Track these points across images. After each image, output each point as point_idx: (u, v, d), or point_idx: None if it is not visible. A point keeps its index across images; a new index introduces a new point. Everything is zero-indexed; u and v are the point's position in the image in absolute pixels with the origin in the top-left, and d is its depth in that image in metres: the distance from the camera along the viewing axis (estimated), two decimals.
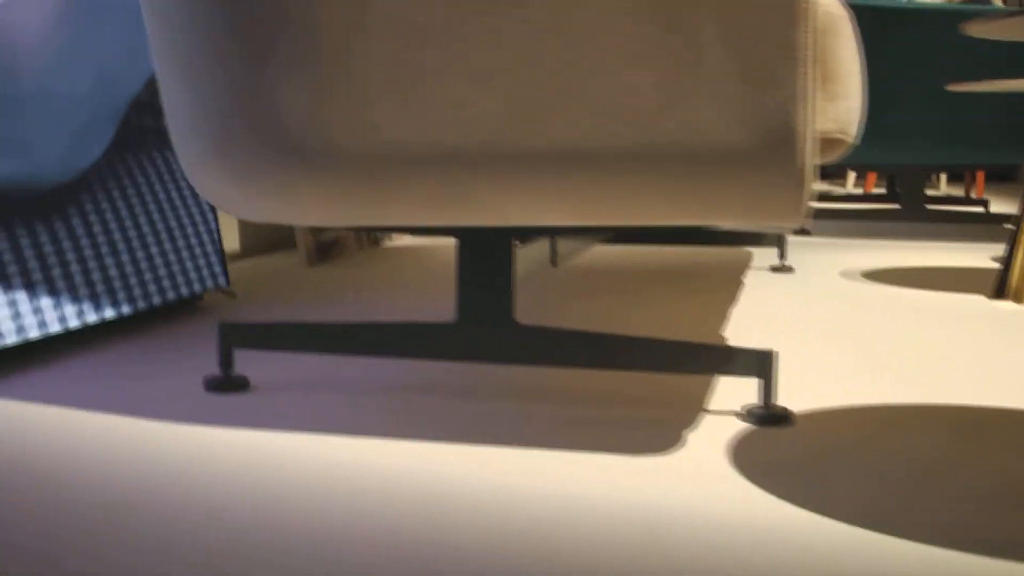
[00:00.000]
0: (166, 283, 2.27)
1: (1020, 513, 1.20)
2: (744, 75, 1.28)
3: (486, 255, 1.69)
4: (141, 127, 2.31)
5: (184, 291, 2.32)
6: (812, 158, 1.31)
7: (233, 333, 1.76)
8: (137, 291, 2.17)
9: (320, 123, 1.35)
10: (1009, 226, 4.59)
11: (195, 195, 2.44)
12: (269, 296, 2.74)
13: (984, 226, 5.09)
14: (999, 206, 6.39)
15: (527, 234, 1.71)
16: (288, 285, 2.96)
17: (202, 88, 1.42)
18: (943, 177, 8.10)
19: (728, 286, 3.00)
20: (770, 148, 1.30)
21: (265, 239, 3.74)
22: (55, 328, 1.95)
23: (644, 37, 1.29)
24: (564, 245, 3.44)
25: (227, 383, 1.75)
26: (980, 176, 6.73)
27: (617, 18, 1.29)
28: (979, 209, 5.57)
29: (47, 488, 1.26)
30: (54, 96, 2.04)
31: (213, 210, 2.47)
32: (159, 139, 2.37)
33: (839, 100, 1.37)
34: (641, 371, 1.67)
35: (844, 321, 2.48)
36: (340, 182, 1.39)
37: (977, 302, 2.82)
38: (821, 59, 1.36)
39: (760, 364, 1.61)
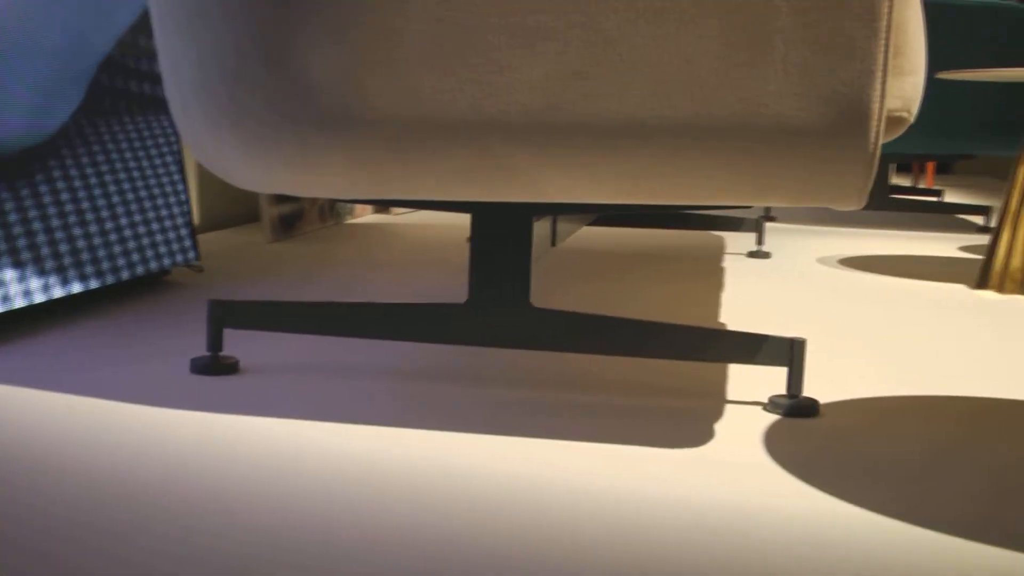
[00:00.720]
0: (135, 256, 2.13)
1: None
2: (817, 45, 1.18)
3: (504, 233, 1.58)
4: (112, 89, 2.16)
5: (153, 265, 2.18)
6: (880, 139, 1.22)
7: (224, 311, 1.62)
8: (106, 264, 2.03)
9: (355, 87, 1.23)
10: (980, 220, 4.61)
11: (167, 164, 2.29)
12: (237, 272, 2.60)
13: (943, 216, 5.10)
14: (950, 196, 6.44)
15: (548, 212, 1.60)
16: (255, 261, 2.82)
17: (218, 43, 1.28)
18: (891, 167, 8.12)
19: (712, 270, 2.94)
20: (841, 127, 1.20)
21: (224, 212, 3.59)
22: (19, 302, 1.80)
23: (708, 3, 1.19)
24: (561, 226, 3.34)
25: (216, 365, 1.62)
26: (930, 167, 6.74)
27: None
28: (934, 199, 5.57)
29: (28, 474, 1.13)
30: (16, 53, 1.89)
31: (183, 180, 2.33)
32: (131, 102, 2.22)
33: (906, 75, 1.28)
34: (666, 358, 1.57)
35: (834, 310, 2.43)
36: (371, 151, 1.27)
37: (960, 291, 2.79)
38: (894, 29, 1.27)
39: (790, 352, 1.53)
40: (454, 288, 2.47)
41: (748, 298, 2.51)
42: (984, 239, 4.17)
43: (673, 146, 1.24)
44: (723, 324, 2.16)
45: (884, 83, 1.19)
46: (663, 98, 1.21)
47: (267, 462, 1.23)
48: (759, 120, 1.21)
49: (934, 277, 3.05)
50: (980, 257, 3.60)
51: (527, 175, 1.29)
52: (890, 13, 1.17)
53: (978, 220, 4.97)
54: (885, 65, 1.18)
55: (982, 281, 2.86)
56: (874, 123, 1.20)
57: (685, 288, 2.60)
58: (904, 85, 1.28)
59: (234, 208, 3.68)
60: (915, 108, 1.32)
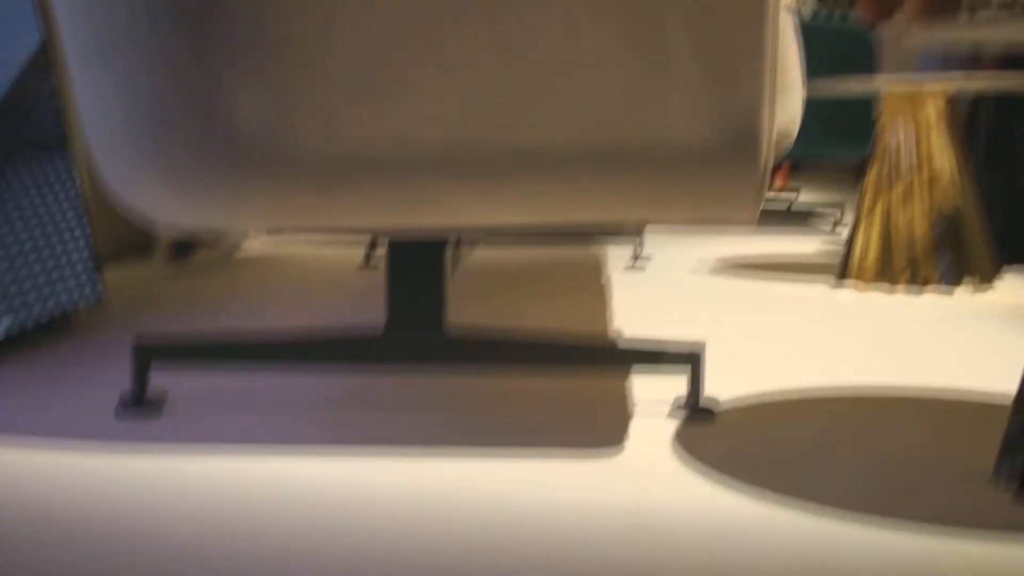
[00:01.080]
0: (40, 298, 2.13)
1: (964, 487, 1.25)
2: (711, 76, 1.28)
3: (419, 260, 1.64)
4: (7, 131, 2.15)
5: (61, 303, 2.18)
6: (771, 157, 1.32)
7: (149, 350, 1.65)
8: (15, 305, 2.03)
9: (281, 128, 1.28)
10: (836, 218, 4.81)
11: (68, 205, 2.29)
12: (140, 308, 2.60)
13: (801, 215, 5.30)
14: (804, 195, 6.69)
15: (461, 236, 1.67)
16: (155, 295, 2.82)
17: (142, 90, 1.32)
18: None
19: (596, 280, 3.03)
20: (735, 148, 1.30)
21: (118, 245, 3.55)
22: None
23: (612, 38, 1.28)
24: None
25: (142, 404, 1.64)
26: (785, 167, 6.99)
27: (585, 19, 1.27)
28: (792, 199, 5.79)
29: None
30: None
31: (86, 221, 2.33)
32: (27, 144, 2.21)
33: (787, 94, 1.38)
34: (576, 372, 1.66)
35: (714, 311, 2.55)
36: (296, 188, 1.33)
37: (824, 287, 2.96)
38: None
39: (690, 359, 1.62)
40: (362, 314, 2.51)
41: (636, 306, 2.61)
42: (837, 236, 4.38)
43: (583, 171, 1.32)
44: (620, 332, 2.26)
45: (772, 110, 1.29)
46: (574, 128, 1.30)
47: (202, 496, 1.27)
48: (661, 146, 1.30)
49: (800, 273, 3.20)
50: (838, 253, 3.78)
51: (446, 204, 1.36)
52: (774, 46, 1.28)
53: (835, 216, 5.19)
54: (772, 95, 1.28)
55: (842, 276, 3.03)
56: (764, 146, 1.30)
57: (575, 300, 2.70)
58: (787, 103, 1.39)
59: (128, 240, 3.65)
60: (797, 125, 1.43)
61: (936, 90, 2.85)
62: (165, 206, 1.41)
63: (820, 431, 1.53)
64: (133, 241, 3.71)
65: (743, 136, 1.30)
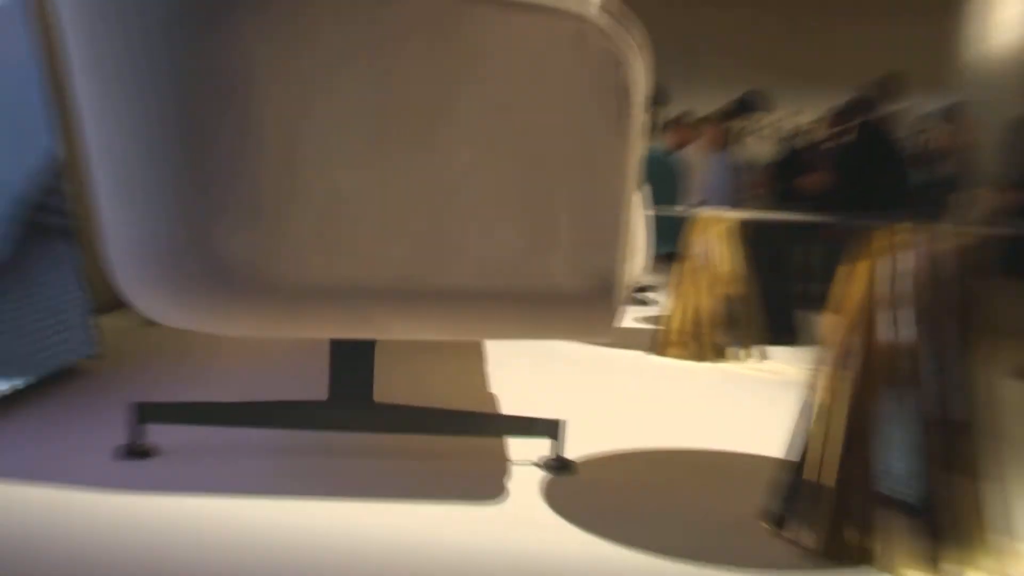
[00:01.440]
0: (48, 354, 2.10)
1: (749, 539, 1.37)
2: (586, 243, 1.38)
3: (354, 352, 1.69)
4: (30, 220, 2.13)
5: (61, 364, 2.16)
6: (625, 301, 1.43)
7: (146, 411, 1.67)
8: (19, 367, 2.00)
9: (262, 265, 1.33)
10: (649, 295, 4.77)
11: (72, 277, 2.26)
12: (126, 358, 2.57)
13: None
14: None
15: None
16: (137, 345, 2.78)
17: (151, 222, 1.34)
18: None
19: (476, 352, 3.07)
20: (599, 295, 1.40)
21: (104, 300, 3.47)
22: None
23: (516, 213, 1.36)
24: None
25: (137, 451, 1.66)
26: None
27: (496, 201, 1.35)
28: None
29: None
30: None
31: (86, 289, 2.31)
32: (45, 230, 2.19)
33: (636, 254, 1.49)
34: (471, 437, 1.73)
35: (552, 380, 2.56)
36: (271, 310, 1.37)
37: (641, 356, 3.00)
38: None
39: (554, 428, 1.71)
40: (311, 377, 2.52)
41: (508, 376, 2.64)
42: (652, 312, 4.39)
43: (487, 305, 1.40)
44: (498, 401, 2.31)
45: (624, 268, 1.40)
46: (484, 275, 1.37)
47: (184, 536, 1.30)
48: (547, 290, 1.39)
49: (621, 345, 3.20)
50: (651, 326, 3.85)
51: (382, 323, 1.42)
52: (627, 225, 1.38)
53: (649, 296, 5.24)
54: (625, 256, 1.39)
55: (656, 347, 3.12)
56: (619, 293, 1.40)
57: (465, 365, 2.74)
58: (635, 260, 1.50)
59: (108, 296, 3.57)
60: (638, 275, 1.54)
61: (721, 217, 3.06)
62: (166, 313, 1.43)
63: (648, 483, 1.62)
64: (111, 298, 3.62)
65: (606, 286, 1.40)
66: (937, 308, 1.27)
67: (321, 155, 1.30)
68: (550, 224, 1.37)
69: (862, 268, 1.31)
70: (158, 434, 1.70)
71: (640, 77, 1.37)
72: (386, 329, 1.44)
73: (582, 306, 1.41)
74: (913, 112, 5.75)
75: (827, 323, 1.36)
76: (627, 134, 1.36)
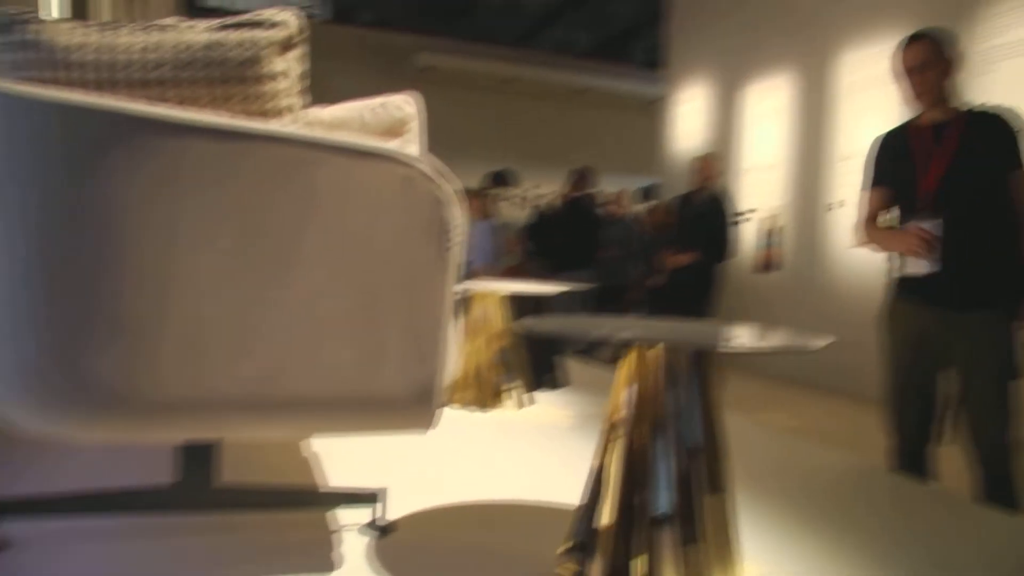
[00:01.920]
0: None
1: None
2: (411, 355, 1.33)
3: (203, 446, 1.54)
4: None
5: None
6: (442, 402, 1.39)
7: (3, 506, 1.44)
8: None
9: (124, 384, 1.18)
10: None
11: None
12: None
13: None
14: None
15: None
16: None
17: (28, 350, 1.17)
18: None
19: None
20: (421, 399, 1.36)
21: None
22: None
23: (351, 332, 1.30)
24: None
25: None
26: None
27: (337, 321, 1.29)
28: None
29: None
30: None
31: None
32: None
33: (449, 364, 1.46)
34: (304, 511, 1.62)
35: (367, 439, 2.42)
36: (132, 422, 1.23)
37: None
38: None
39: (378, 497, 1.64)
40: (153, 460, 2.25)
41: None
42: None
43: (328, 411, 1.33)
44: (325, 476, 2.18)
45: (443, 377, 1.37)
46: (325, 385, 1.30)
47: None
48: (379, 396, 1.34)
49: None
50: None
51: (232, 429, 1.31)
52: (446, 341, 1.35)
53: None
54: (443, 368, 1.36)
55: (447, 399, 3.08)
56: (438, 396, 1.37)
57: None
58: (448, 371, 1.46)
59: None
60: (449, 379, 1.49)
61: (489, 290, 3.08)
62: (28, 424, 1.24)
63: (459, 540, 1.59)
64: None
65: (428, 392, 1.36)
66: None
67: (186, 285, 1.18)
68: (382, 341, 1.32)
69: (624, 372, 1.33)
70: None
71: (458, 216, 1.35)
72: (236, 433, 1.33)
73: (409, 409, 1.36)
74: (620, 188, 6.23)
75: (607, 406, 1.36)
76: (447, 266, 1.34)
